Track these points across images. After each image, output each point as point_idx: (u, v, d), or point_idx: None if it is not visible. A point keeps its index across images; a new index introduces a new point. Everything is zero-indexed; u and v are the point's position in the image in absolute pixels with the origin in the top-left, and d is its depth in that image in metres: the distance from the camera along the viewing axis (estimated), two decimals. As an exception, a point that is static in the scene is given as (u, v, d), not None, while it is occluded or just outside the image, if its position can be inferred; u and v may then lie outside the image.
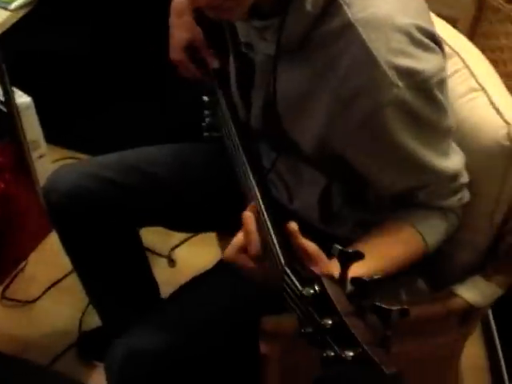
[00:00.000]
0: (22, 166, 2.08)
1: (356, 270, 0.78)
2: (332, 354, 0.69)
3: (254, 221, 0.99)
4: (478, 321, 1.49)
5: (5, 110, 2.03)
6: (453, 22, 1.38)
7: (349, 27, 0.98)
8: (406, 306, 0.71)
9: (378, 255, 1.07)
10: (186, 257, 2.17)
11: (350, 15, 0.98)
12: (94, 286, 1.59)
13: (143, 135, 1.79)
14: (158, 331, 1.25)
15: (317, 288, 0.76)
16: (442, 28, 1.32)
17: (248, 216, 0.99)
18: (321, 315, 0.73)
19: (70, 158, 2.39)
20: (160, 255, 2.12)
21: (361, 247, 0.90)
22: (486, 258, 1.29)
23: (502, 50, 1.37)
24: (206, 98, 1.55)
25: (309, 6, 0.99)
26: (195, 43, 1.42)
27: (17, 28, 1.87)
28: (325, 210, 1.27)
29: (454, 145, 1.14)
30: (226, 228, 1.54)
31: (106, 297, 1.59)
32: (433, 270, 1.31)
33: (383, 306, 0.71)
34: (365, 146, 1.07)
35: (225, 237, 1.59)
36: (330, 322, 0.71)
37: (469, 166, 1.16)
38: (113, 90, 2.36)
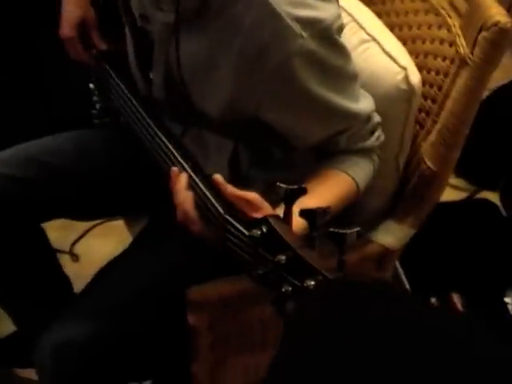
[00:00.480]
0: None
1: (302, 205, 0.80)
2: (290, 288, 0.71)
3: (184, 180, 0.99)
4: (394, 263, 1.54)
5: None
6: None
7: None
8: (359, 228, 0.73)
9: (318, 196, 1.09)
10: (87, 250, 2.13)
11: None
12: (4, 290, 1.53)
13: (28, 133, 1.72)
14: (80, 321, 1.22)
15: (264, 229, 0.77)
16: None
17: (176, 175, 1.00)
18: (273, 253, 0.74)
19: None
20: (62, 251, 2.05)
21: None
22: (395, 202, 1.35)
23: (383, 3, 1.42)
24: (92, 86, 1.52)
25: None
26: (86, 22, 1.40)
27: None
28: (235, 174, 1.28)
29: (362, 90, 1.18)
30: (131, 211, 1.55)
31: (18, 299, 1.52)
32: (345, 219, 1.35)
33: (338, 231, 0.72)
34: (280, 100, 1.09)
35: (132, 221, 1.58)
36: (284, 257, 0.73)
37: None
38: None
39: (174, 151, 1.11)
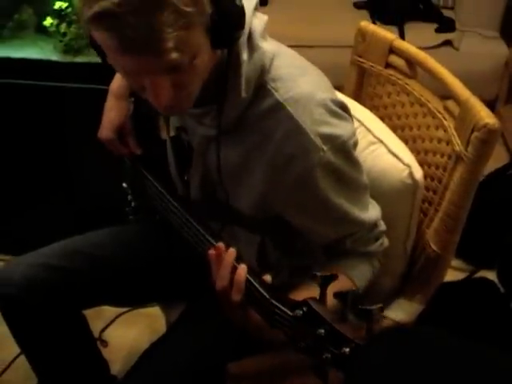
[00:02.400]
0: None
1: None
2: (329, 355, 0.88)
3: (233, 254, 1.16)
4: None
5: None
6: (338, 89, 1.63)
7: (279, 106, 1.19)
8: (381, 304, 0.91)
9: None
10: (116, 336, 2.27)
11: (278, 97, 1.19)
12: (46, 371, 1.65)
13: (58, 228, 1.87)
14: None
15: (305, 309, 0.95)
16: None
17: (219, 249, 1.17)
18: (314, 328, 0.92)
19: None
20: (91, 339, 2.21)
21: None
22: (404, 282, 1.52)
23: (385, 108, 1.63)
24: (125, 185, 1.70)
25: (243, 93, 1.19)
26: (124, 129, 1.55)
27: None
28: (262, 263, 1.45)
29: (371, 200, 1.35)
30: (167, 298, 1.71)
31: (58, 381, 1.66)
32: (362, 299, 1.51)
33: (366, 307, 0.90)
34: (301, 204, 1.27)
35: (167, 308, 1.73)
36: (323, 330, 0.91)
37: (383, 205, 1.37)
38: (21, 191, 2.44)
39: (212, 239, 1.27)
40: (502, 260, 2.44)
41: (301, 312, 0.97)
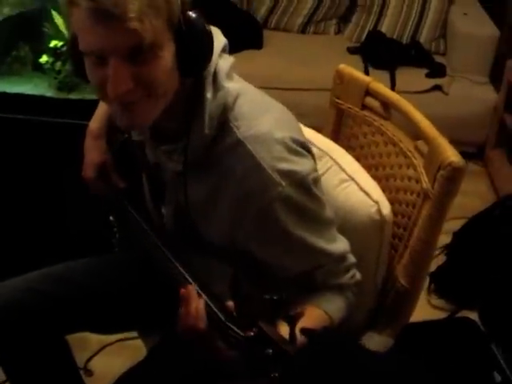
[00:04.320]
0: None
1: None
2: (277, 374, 0.95)
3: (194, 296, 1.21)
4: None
5: None
6: (318, 130, 1.70)
7: (239, 143, 1.24)
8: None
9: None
10: (101, 366, 2.32)
11: (238, 134, 1.25)
12: None
13: (46, 256, 1.91)
14: None
15: (255, 330, 1.02)
16: (312, 135, 1.63)
17: (189, 291, 1.22)
18: (263, 348, 0.99)
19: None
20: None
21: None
22: (375, 316, 1.57)
23: (361, 148, 1.69)
24: (111, 218, 1.76)
25: (206, 130, 1.25)
26: (106, 165, 1.61)
27: None
28: (236, 296, 1.49)
29: (338, 234, 1.40)
30: (146, 326, 1.75)
31: None
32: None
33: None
34: (263, 238, 1.32)
35: (146, 337, 1.77)
36: (271, 350, 0.97)
37: (352, 242, 1.42)
38: (13, 221, 2.49)
39: (185, 273, 1.32)
40: (484, 300, 2.48)
41: (251, 333, 1.03)
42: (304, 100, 3.21)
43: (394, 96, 1.59)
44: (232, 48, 3.66)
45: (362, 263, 1.44)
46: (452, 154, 1.37)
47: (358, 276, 1.42)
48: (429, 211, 1.42)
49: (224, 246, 1.39)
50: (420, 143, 1.48)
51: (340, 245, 1.38)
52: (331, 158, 1.57)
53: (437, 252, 2.76)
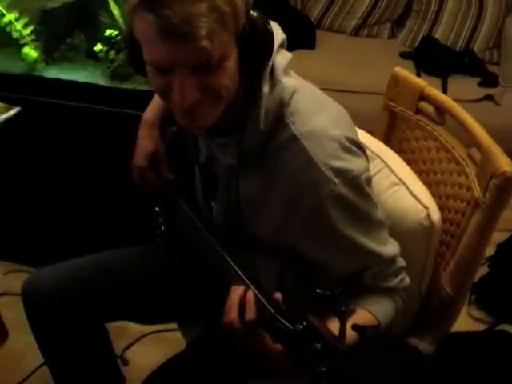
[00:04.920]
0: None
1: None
2: (324, 369, 0.94)
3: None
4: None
5: None
6: (370, 133, 1.69)
7: (294, 139, 1.24)
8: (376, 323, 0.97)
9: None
10: (137, 356, 2.34)
11: (294, 130, 1.24)
12: (64, 381, 1.70)
13: (92, 245, 1.93)
14: None
15: (304, 323, 1.03)
16: (364, 136, 1.62)
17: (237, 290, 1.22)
18: (311, 342, 1.00)
19: (19, 271, 2.55)
20: (114, 356, 2.26)
21: None
22: (417, 322, 1.55)
23: (413, 152, 1.67)
24: (157, 209, 1.76)
25: (262, 125, 1.24)
26: (157, 155, 1.61)
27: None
28: (282, 289, 1.49)
29: (389, 237, 1.39)
30: (187, 319, 1.76)
31: None
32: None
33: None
34: (313, 236, 1.31)
35: (187, 328, 1.78)
36: (319, 345, 0.97)
37: (400, 245, 1.40)
38: (56, 203, 2.52)
39: (236, 267, 1.32)
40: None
41: (301, 326, 1.03)
42: (354, 103, 3.12)
43: (448, 102, 1.57)
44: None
45: (409, 269, 1.43)
46: (506, 163, 1.35)
47: (408, 280, 1.41)
48: (479, 220, 1.41)
49: (273, 243, 1.38)
50: (473, 151, 1.47)
51: (390, 247, 1.37)
52: (382, 160, 1.56)
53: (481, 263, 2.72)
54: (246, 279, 1.26)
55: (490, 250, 2.73)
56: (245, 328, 1.19)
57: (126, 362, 2.30)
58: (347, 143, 1.26)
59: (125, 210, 2.36)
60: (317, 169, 1.23)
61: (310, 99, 1.30)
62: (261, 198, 1.33)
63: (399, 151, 1.68)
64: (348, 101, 3.19)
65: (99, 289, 1.58)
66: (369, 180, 1.30)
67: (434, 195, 1.53)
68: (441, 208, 1.51)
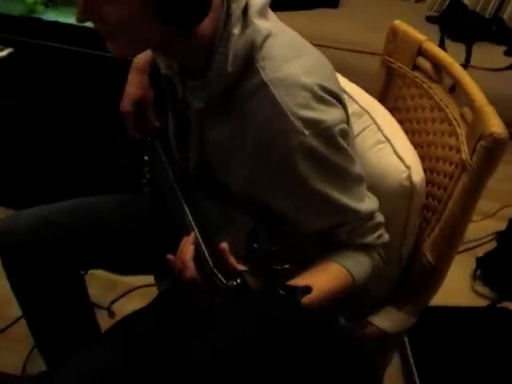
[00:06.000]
0: None
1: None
2: None
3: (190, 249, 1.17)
4: (394, 350, 1.64)
5: None
6: (365, 89, 1.60)
7: (263, 86, 1.16)
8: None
9: (314, 284, 1.22)
10: (124, 309, 2.28)
11: (263, 76, 1.16)
12: (40, 328, 1.67)
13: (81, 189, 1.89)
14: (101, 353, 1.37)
15: (239, 280, 0.96)
16: (356, 92, 1.54)
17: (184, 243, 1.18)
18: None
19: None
20: (100, 307, 2.23)
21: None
22: (396, 290, 1.47)
23: (407, 110, 1.57)
24: (146, 158, 1.70)
25: (229, 68, 1.17)
26: (144, 101, 1.57)
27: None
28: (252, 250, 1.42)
29: (368, 192, 1.30)
30: (161, 270, 1.70)
31: (52, 339, 1.67)
32: (351, 303, 1.47)
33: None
34: (281, 190, 1.24)
35: (162, 279, 1.73)
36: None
37: (380, 206, 1.32)
38: (47, 147, 2.47)
39: (191, 218, 1.26)
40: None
41: (234, 283, 0.98)
42: (372, 64, 3.07)
43: (446, 58, 1.46)
44: (307, 4, 3.57)
45: (389, 233, 1.35)
46: (496, 124, 1.25)
47: (387, 237, 1.33)
48: (465, 184, 1.31)
49: (244, 196, 1.31)
50: (466, 110, 1.36)
51: (368, 203, 1.29)
52: (371, 116, 1.47)
53: (488, 237, 2.62)
54: (197, 232, 1.19)
55: (501, 225, 2.62)
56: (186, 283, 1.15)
57: (112, 315, 2.26)
58: (320, 92, 1.17)
59: (117, 157, 2.30)
60: (285, 118, 1.14)
61: (287, 45, 1.21)
62: (229, 146, 1.25)
63: (394, 110, 1.59)
64: (366, 62, 3.10)
65: (75, 234, 1.53)
66: (344, 132, 1.21)
67: (423, 157, 1.44)
68: (430, 171, 1.42)
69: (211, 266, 1.09)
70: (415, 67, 1.54)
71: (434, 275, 1.41)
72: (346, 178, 1.24)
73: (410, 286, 1.45)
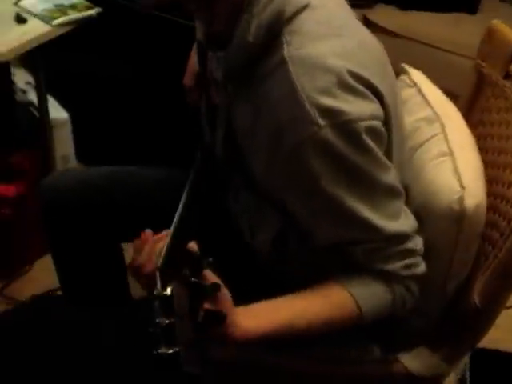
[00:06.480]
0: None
1: (247, 320, 0.96)
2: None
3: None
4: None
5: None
6: (454, 97, 1.39)
7: (282, 63, 0.99)
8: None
9: (288, 308, 1.07)
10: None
11: (285, 51, 0.99)
12: (73, 287, 1.62)
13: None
14: None
15: (169, 290, 0.84)
16: (434, 96, 1.34)
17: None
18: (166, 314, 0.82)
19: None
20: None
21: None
22: (436, 328, 1.25)
23: (492, 125, 1.34)
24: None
25: (251, 37, 1.01)
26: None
27: (62, 47, 1.98)
28: (278, 247, 1.25)
29: (406, 211, 1.10)
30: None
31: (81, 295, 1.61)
32: (385, 334, 1.27)
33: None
34: (294, 186, 1.07)
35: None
36: (167, 321, 0.80)
37: (426, 229, 1.13)
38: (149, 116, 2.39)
39: (180, 208, 1.16)
40: None
41: (164, 292, 0.85)
42: None
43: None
44: (442, 7, 3.26)
45: (432, 261, 1.15)
46: None
47: (422, 268, 1.12)
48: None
49: (265, 189, 1.15)
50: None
51: (401, 223, 1.08)
52: (442, 124, 1.27)
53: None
54: (172, 227, 1.08)
55: None
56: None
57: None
58: (349, 79, 0.99)
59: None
60: (299, 103, 0.97)
61: (324, 21, 1.04)
62: (252, 129, 1.09)
63: (479, 123, 1.37)
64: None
65: (112, 202, 1.47)
66: (374, 130, 1.02)
67: (493, 180, 1.23)
68: (497, 197, 1.21)
69: (158, 264, 0.94)
70: (507, 76, 1.31)
71: (479, 320, 1.19)
72: (370, 185, 1.04)
73: (450, 328, 1.23)
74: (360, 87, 0.99)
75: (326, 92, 0.97)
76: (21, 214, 2.11)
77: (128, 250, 1.51)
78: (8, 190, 2.07)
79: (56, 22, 1.87)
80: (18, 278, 2.14)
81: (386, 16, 2.93)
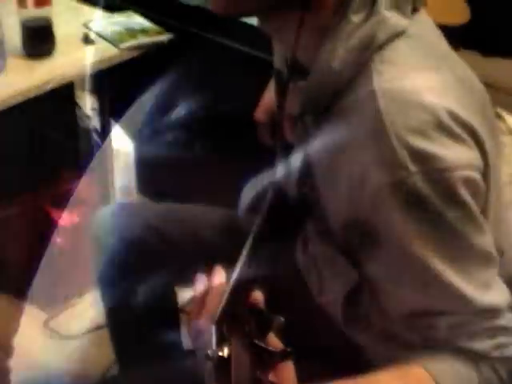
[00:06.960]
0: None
1: None
2: None
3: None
4: None
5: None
6: None
7: (370, 95, 0.87)
8: None
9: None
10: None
11: (375, 83, 0.87)
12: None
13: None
14: None
15: (226, 351, 0.69)
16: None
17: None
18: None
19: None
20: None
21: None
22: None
23: None
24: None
25: (336, 64, 0.90)
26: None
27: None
28: (351, 309, 1.12)
29: (495, 278, 0.94)
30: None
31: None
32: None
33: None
34: (368, 242, 0.93)
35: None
36: None
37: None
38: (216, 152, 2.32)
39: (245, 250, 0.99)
40: None
41: (220, 353, 0.69)
42: None
43: None
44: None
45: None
46: None
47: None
48: None
49: (342, 240, 1.02)
50: None
51: (493, 295, 0.92)
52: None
53: None
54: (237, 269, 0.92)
55: None
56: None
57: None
58: (448, 120, 0.85)
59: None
60: (387, 142, 0.84)
61: (421, 51, 0.92)
62: (331, 170, 0.96)
63: None
64: None
65: (165, 243, 1.42)
66: (471, 183, 0.87)
67: None
68: None
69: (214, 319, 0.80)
70: None
71: None
72: (463, 248, 0.89)
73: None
74: (459, 130, 0.86)
75: (421, 133, 0.84)
76: (74, 243, 2.06)
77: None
78: (65, 218, 2.04)
79: (124, 45, 1.82)
80: (65, 311, 2.09)
81: (467, 62, 2.82)
